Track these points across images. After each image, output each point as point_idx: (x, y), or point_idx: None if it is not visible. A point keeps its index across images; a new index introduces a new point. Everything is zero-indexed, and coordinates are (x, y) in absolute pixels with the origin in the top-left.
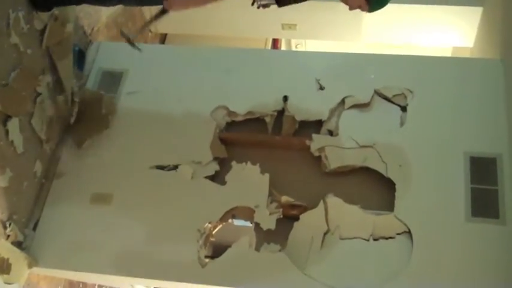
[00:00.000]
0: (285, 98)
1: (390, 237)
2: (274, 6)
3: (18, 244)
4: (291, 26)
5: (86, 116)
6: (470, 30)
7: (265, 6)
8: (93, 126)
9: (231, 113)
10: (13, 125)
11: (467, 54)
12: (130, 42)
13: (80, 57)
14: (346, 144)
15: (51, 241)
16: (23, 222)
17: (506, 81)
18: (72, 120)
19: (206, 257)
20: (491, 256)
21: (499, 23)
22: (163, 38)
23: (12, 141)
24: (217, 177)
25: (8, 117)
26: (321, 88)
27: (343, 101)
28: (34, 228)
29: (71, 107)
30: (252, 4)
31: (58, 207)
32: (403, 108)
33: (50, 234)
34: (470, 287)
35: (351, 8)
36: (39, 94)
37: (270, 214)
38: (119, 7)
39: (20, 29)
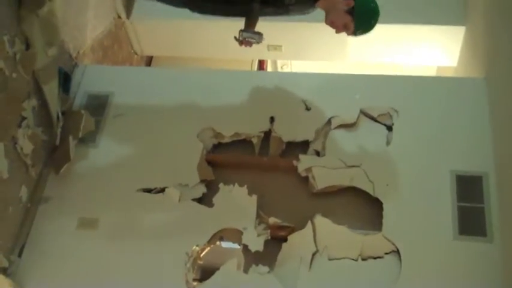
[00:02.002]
0: (272, 119)
1: (379, 257)
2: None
3: (3, 270)
4: (277, 47)
5: (65, 140)
6: (453, 50)
7: (247, 43)
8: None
9: (217, 135)
10: None
11: (451, 74)
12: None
13: (65, 81)
14: (333, 165)
15: (37, 267)
16: (8, 248)
17: (490, 99)
18: (57, 141)
19: (194, 280)
20: (479, 273)
21: (481, 41)
22: (149, 61)
23: None
24: (204, 200)
25: None
26: (307, 109)
27: (329, 121)
28: (19, 254)
29: (56, 129)
30: (236, 39)
31: (44, 233)
32: (389, 128)
33: (36, 260)
34: None
35: (337, 31)
36: (24, 118)
37: (258, 236)
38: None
39: (5, 53)
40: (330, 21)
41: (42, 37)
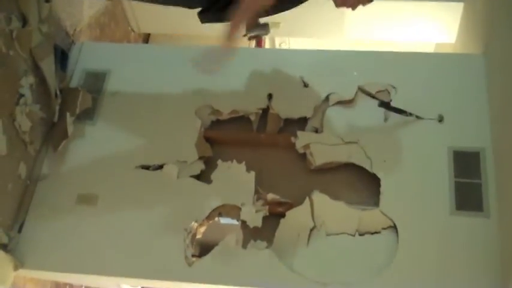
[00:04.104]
0: (270, 96)
1: (376, 232)
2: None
3: (3, 246)
4: (274, 24)
5: (62, 117)
6: (452, 26)
7: (255, 37)
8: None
9: (215, 112)
10: None
11: (449, 50)
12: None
13: (62, 58)
14: (331, 141)
15: (37, 243)
16: (8, 225)
17: (488, 75)
18: (56, 118)
19: (193, 256)
20: (476, 248)
21: (480, 17)
22: (146, 38)
23: None
24: (202, 176)
25: None
26: (305, 85)
27: (327, 98)
28: (19, 231)
29: (54, 106)
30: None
31: (43, 209)
32: (387, 104)
33: (36, 236)
34: (456, 280)
35: (353, 8)
36: (22, 96)
37: (256, 212)
38: (101, 7)
39: (2, 30)
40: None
41: (38, 14)
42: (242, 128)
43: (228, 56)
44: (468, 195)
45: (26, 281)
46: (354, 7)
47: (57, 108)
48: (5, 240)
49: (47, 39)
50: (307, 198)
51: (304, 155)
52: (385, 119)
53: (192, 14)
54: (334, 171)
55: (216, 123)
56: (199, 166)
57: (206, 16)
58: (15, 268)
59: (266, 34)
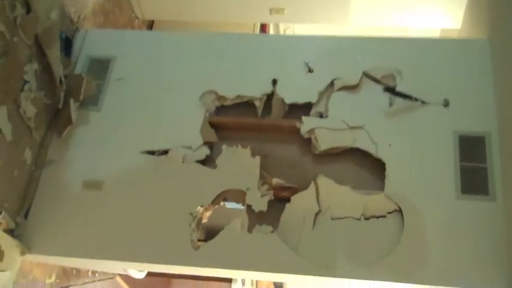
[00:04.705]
0: (274, 81)
1: (381, 216)
2: None
3: (10, 232)
4: (279, 11)
5: (66, 104)
6: (457, 12)
7: None
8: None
9: (220, 98)
10: (1, 113)
11: (455, 36)
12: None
13: (66, 45)
14: (336, 126)
15: (43, 228)
16: (14, 210)
17: (494, 60)
18: (61, 104)
19: (199, 240)
20: (482, 232)
21: (485, 3)
22: (150, 25)
23: (0, 130)
24: (208, 161)
25: None
26: (310, 71)
27: (332, 83)
28: (25, 216)
29: (59, 92)
30: None
31: (49, 195)
32: (392, 89)
33: (42, 221)
34: (461, 264)
35: None
36: (26, 82)
37: (262, 196)
38: None
39: (5, 16)
40: None
41: (43, 1)
42: (247, 114)
43: None
44: (474, 179)
45: (32, 266)
46: None
47: (62, 94)
48: (11, 225)
49: (54, 26)
50: (312, 183)
51: (309, 140)
52: (391, 104)
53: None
54: (339, 156)
55: (221, 109)
56: (205, 151)
57: None
58: (22, 253)
59: None
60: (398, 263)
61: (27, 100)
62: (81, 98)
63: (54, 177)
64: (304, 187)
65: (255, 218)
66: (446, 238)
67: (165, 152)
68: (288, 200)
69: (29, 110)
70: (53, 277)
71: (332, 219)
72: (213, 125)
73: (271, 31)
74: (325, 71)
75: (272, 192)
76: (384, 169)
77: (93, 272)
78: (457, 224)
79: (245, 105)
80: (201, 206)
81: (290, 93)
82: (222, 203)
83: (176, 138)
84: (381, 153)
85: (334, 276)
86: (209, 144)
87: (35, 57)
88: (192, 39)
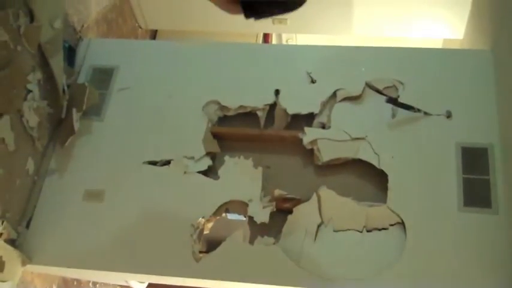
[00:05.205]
0: (277, 92)
1: (383, 228)
2: None
3: (12, 242)
4: (282, 21)
5: (69, 113)
6: (460, 22)
7: None
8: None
9: (222, 108)
10: (4, 122)
11: (457, 46)
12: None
13: (70, 54)
14: (339, 137)
15: (45, 238)
16: (16, 220)
17: (496, 71)
18: (63, 114)
19: (200, 252)
20: (484, 245)
21: (488, 13)
22: (153, 34)
23: (3, 139)
24: (210, 172)
25: None
26: (313, 81)
27: (334, 94)
28: (27, 226)
29: (62, 102)
30: None
31: (51, 205)
32: (395, 100)
33: (43, 231)
34: (464, 277)
35: None
36: (29, 91)
37: (264, 208)
38: (108, 3)
39: (9, 25)
40: None
41: (46, 10)
42: (249, 124)
43: None
44: (476, 192)
45: (34, 277)
46: None
47: (65, 104)
48: (13, 235)
49: (57, 35)
50: (314, 194)
51: (311, 151)
52: (393, 115)
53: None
54: (341, 167)
55: (223, 119)
56: (207, 162)
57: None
58: (23, 263)
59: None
60: (400, 275)
61: (30, 109)
62: (84, 107)
63: (56, 187)
64: (307, 198)
65: (257, 230)
66: (448, 251)
67: (167, 163)
68: (290, 212)
69: (32, 119)
70: None
71: (334, 231)
72: (215, 135)
73: (274, 41)
74: (327, 81)
75: (274, 203)
76: (387, 181)
77: (94, 283)
78: (460, 237)
79: (248, 116)
80: (203, 217)
81: (293, 104)
82: (223, 215)
83: (178, 148)
84: (383, 165)
85: None
86: (211, 155)
87: (38, 66)
88: (195, 49)
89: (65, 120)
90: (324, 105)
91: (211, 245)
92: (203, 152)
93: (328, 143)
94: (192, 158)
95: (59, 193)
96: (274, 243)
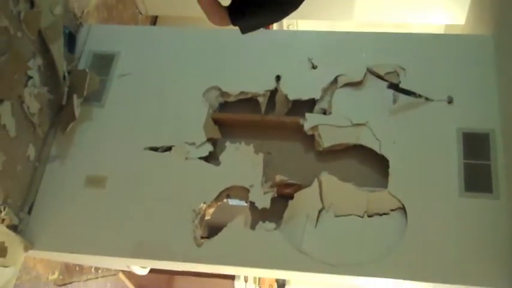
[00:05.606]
0: (278, 78)
1: (384, 214)
2: None
3: (14, 228)
4: None
5: (70, 99)
6: (461, 8)
7: None
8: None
9: (223, 94)
10: (5, 108)
11: (459, 32)
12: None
13: (70, 40)
14: (340, 123)
15: (46, 224)
16: (17, 206)
17: (497, 56)
18: (64, 100)
19: (202, 237)
20: (485, 229)
21: None
22: (154, 21)
23: (4, 125)
24: (211, 158)
25: None
26: (314, 67)
27: (335, 80)
28: (29, 212)
29: (62, 88)
30: None
31: (52, 191)
32: (396, 86)
33: (45, 217)
34: (464, 261)
35: None
36: (30, 78)
37: (265, 193)
38: None
39: (9, 11)
40: None
41: None
42: (250, 110)
43: None
44: (477, 177)
45: (36, 262)
46: None
47: (66, 90)
48: (15, 221)
49: (58, 21)
50: (315, 180)
51: (312, 137)
52: (394, 101)
53: None
54: (342, 152)
55: (224, 105)
56: (208, 148)
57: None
58: (26, 249)
59: None
60: (401, 260)
61: (31, 96)
62: (85, 93)
63: (58, 173)
64: (308, 184)
65: (258, 215)
66: (449, 236)
67: (169, 149)
68: (291, 197)
69: (33, 105)
70: (56, 273)
71: (335, 216)
72: (216, 121)
73: (275, 27)
74: (328, 67)
75: (275, 189)
76: (388, 166)
77: (96, 269)
78: (461, 222)
79: (249, 102)
80: (204, 202)
81: (294, 90)
82: (225, 200)
83: (179, 134)
84: (385, 150)
85: (336, 273)
86: (212, 141)
87: (38, 52)
88: (196, 35)
89: (65, 106)
90: (325, 91)
91: (213, 230)
92: (204, 138)
93: (329, 129)
94: (193, 144)
95: (60, 179)
96: (275, 229)
